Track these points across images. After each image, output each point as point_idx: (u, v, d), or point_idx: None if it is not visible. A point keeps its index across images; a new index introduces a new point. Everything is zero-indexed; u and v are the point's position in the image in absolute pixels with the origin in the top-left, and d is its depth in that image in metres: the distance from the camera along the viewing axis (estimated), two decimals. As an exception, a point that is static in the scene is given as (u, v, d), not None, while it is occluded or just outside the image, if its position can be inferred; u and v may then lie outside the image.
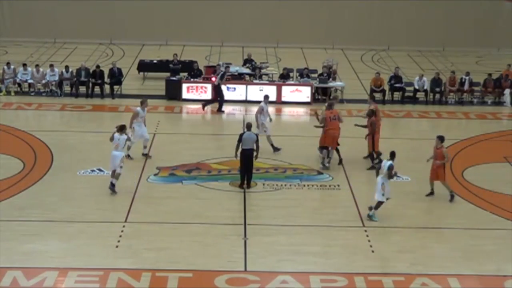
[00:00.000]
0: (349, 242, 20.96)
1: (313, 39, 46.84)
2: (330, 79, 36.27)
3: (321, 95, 35.72)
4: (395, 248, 20.61)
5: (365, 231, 21.62)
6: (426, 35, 47.10)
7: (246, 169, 24.27)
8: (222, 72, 34.11)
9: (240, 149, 24.30)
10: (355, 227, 21.95)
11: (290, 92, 35.08)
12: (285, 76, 36.14)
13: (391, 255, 20.20)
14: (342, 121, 26.89)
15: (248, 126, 24.60)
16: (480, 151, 28.28)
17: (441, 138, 24.04)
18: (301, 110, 34.38)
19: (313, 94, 35.15)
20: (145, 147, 27.11)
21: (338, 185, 24.98)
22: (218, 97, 33.84)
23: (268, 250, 20.22)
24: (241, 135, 24.31)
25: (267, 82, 36.18)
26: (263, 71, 37.46)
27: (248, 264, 19.43)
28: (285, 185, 24.96)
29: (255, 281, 18.54)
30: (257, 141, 24.36)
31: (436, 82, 35.72)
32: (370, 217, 22.26)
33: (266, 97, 28.93)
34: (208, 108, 33.58)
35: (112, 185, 23.62)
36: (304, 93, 35.03)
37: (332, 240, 21.11)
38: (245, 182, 24.31)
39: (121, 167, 23.63)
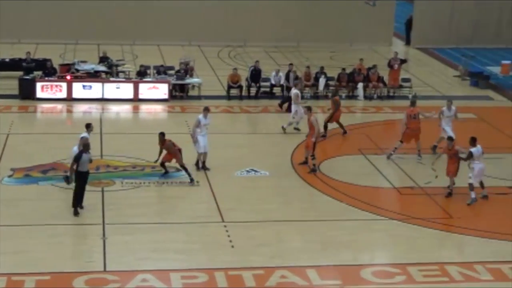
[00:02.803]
0: (209, 238, 21.03)
1: (170, 36, 46.65)
2: (188, 76, 36.27)
3: (179, 91, 35.64)
4: (255, 242, 20.81)
5: (225, 226, 21.75)
6: (281, 31, 47.67)
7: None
8: (286, 71, 35.17)
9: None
10: (215, 222, 22.05)
11: (147, 89, 34.83)
12: (142, 73, 35.89)
13: (251, 249, 20.38)
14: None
15: (85, 145, 22.59)
16: (335, 144, 28.84)
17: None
18: (158, 107, 34.19)
19: (170, 91, 35.03)
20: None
21: (198, 182, 24.97)
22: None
23: (128, 249, 20.07)
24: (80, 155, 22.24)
25: (124, 79, 35.84)
26: (119, 68, 37.08)
27: (107, 264, 19.22)
28: (144, 182, 24.80)
29: (114, 281, 18.37)
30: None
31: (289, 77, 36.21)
32: None
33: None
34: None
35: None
36: (161, 90, 34.86)
37: (192, 236, 21.14)
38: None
39: None
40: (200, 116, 26.10)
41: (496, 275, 19.40)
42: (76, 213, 22.02)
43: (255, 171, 26.15)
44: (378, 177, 26.25)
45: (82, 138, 23.41)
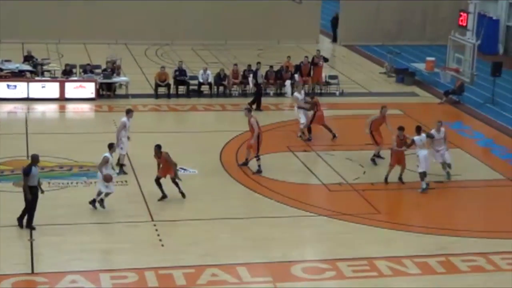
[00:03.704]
0: (138, 237, 20.91)
1: (96, 34, 46.15)
2: (115, 74, 35.94)
3: (106, 90, 35.30)
4: (185, 240, 20.76)
5: (154, 225, 21.65)
6: (208, 28, 47.60)
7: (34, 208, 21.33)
8: (255, 70, 35.13)
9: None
10: (145, 221, 21.93)
11: (74, 89, 34.42)
12: (68, 72, 35.44)
13: (181, 248, 20.32)
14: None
15: (34, 158, 21.44)
16: (265, 142, 28.88)
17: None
18: (85, 106, 33.80)
19: (97, 90, 34.68)
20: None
21: (126, 181, 24.78)
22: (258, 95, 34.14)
23: (56, 250, 19.85)
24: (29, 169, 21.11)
25: (49, 78, 35.36)
26: (45, 67, 36.58)
27: (35, 266, 18.97)
28: (72, 183, 24.52)
29: (43, 283, 18.15)
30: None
31: (220, 77, 36.16)
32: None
33: None
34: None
35: None
36: (88, 89, 34.47)
37: (121, 236, 21.00)
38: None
39: None
40: (125, 118, 25.90)
41: (424, 269, 19.70)
42: (21, 226, 21.15)
43: (184, 169, 26.02)
44: (307, 174, 26.42)
45: (104, 157, 22.70)
